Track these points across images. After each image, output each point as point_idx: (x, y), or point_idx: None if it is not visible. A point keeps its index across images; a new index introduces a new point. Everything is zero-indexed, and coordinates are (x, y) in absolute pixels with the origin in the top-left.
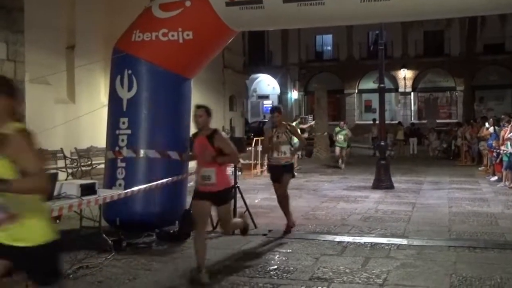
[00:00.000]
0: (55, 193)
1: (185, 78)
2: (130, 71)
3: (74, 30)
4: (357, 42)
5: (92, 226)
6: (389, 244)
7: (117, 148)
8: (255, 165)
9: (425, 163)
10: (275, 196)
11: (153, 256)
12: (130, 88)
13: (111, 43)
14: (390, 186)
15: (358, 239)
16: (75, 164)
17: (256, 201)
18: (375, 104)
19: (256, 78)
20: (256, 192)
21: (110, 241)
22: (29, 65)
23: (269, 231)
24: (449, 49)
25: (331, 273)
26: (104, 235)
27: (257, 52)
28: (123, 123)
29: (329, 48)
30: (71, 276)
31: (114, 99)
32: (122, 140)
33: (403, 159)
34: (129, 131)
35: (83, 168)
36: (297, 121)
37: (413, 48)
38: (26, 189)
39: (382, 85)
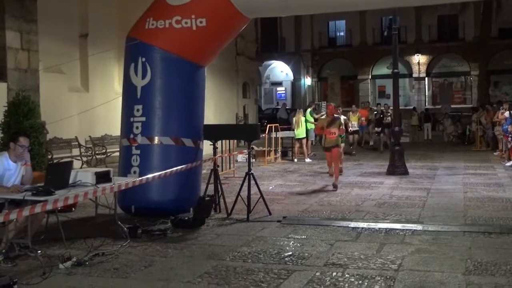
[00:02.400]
0: (71, 181)
1: (199, 65)
2: (143, 59)
3: (87, 19)
4: (370, 28)
5: (108, 213)
6: (403, 229)
7: (131, 136)
8: (269, 152)
9: (440, 148)
10: (289, 183)
11: (168, 243)
12: (144, 76)
13: (124, 31)
14: (405, 172)
15: (373, 225)
16: (90, 152)
17: (270, 187)
18: (389, 90)
19: (269, 65)
20: (270, 179)
21: (125, 229)
22: (43, 54)
23: (284, 217)
24: (464, 33)
25: (346, 259)
26: (119, 223)
27: (270, 38)
28: (138, 110)
29: (342, 34)
30: (87, 263)
31: (128, 86)
32: (137, 128)
33: (418, 145)
34: (143, 118)
35: (98, 156)
36: (310, 109)
37: (427, 33)
38: None
39: (396, 71)
